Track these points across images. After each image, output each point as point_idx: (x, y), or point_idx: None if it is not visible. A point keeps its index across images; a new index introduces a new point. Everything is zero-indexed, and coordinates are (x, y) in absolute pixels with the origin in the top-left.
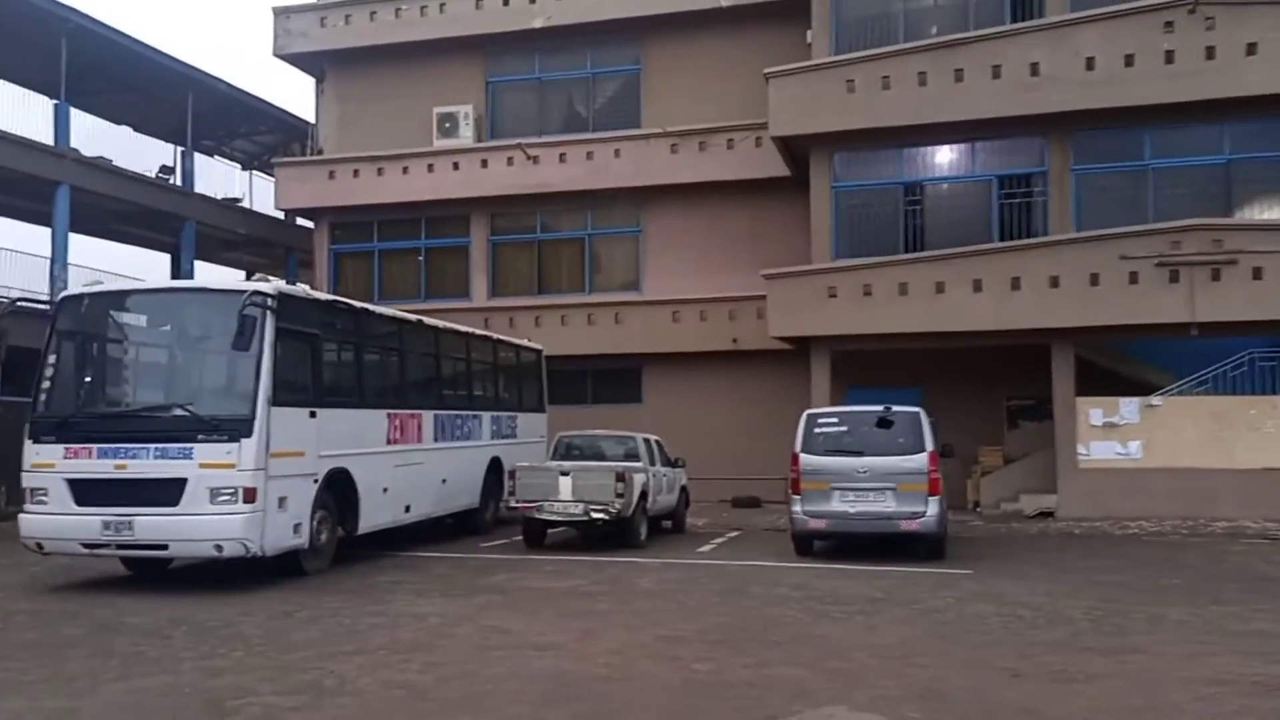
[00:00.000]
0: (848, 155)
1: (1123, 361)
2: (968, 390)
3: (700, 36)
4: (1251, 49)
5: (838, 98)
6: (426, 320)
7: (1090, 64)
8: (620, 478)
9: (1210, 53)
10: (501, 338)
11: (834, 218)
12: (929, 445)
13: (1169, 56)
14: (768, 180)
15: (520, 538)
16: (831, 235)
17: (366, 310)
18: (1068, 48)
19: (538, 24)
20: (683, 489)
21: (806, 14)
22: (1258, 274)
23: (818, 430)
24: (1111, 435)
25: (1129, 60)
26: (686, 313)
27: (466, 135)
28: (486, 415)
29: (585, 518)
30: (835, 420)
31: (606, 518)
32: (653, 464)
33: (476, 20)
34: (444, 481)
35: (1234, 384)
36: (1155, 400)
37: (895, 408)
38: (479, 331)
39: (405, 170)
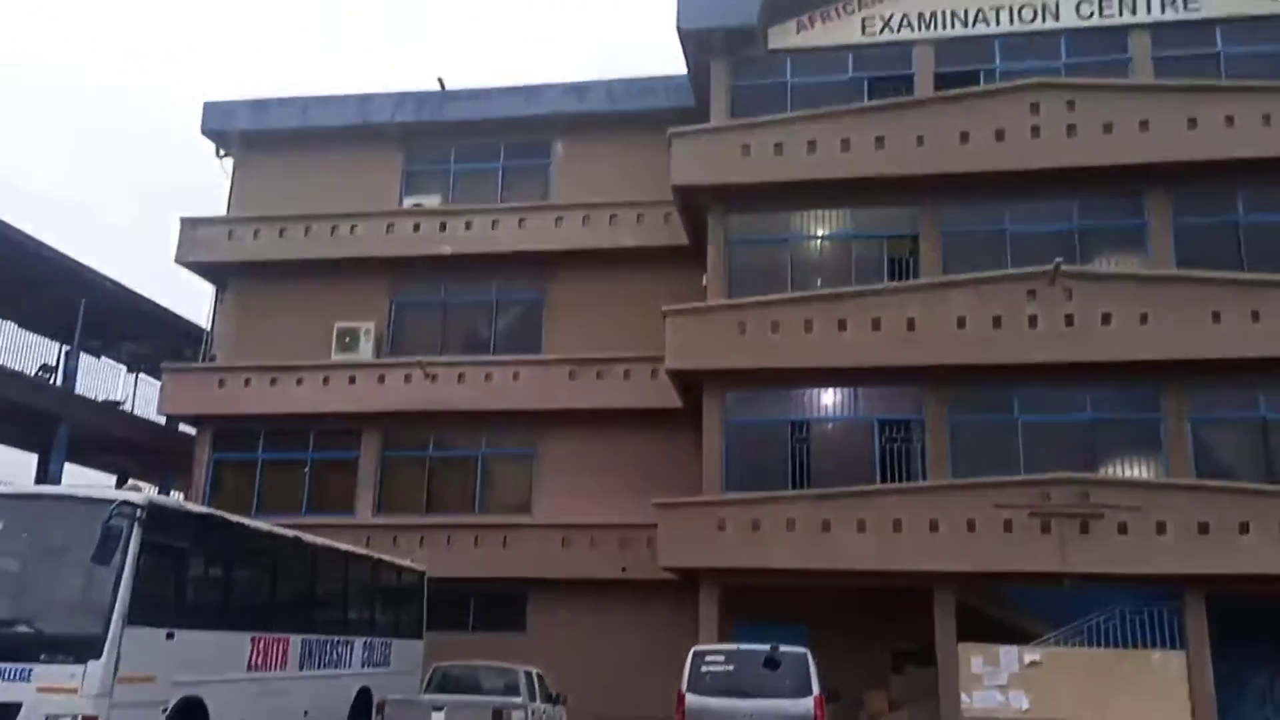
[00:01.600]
0: (739, 392)
1: (1003, 608)
2: (853, 631)
3: (603, 272)
4: (1106, 319)
5: (730, 338)
6: (305, 537)
7: (961, 323)
8: (498, 715)
9: (1069, 320)
10: (383, 558)
11: (725, 451)
12: (815, 689)
13: (1032, 321)
14: (662, 411)
15: None
16: (722, 468)
17: (242, 525)
18: (941, 307)
19: (446, 251)
20: None
21: (702, 258)
22: (1123, 529)
23: (704, 669)
24: (993, 685)
25: (997, 322)
26: (576, 538)
27: (366, 351)
28: (359, 641)
29: None
30: (722, 659)
31: None
32: (533, 699)
33: (386, 243)
34: (305, 714)
35: (1106, 636)
36: (1034, 650)
37: (783, 647)
38: (359, 550)
39: (300, 382)
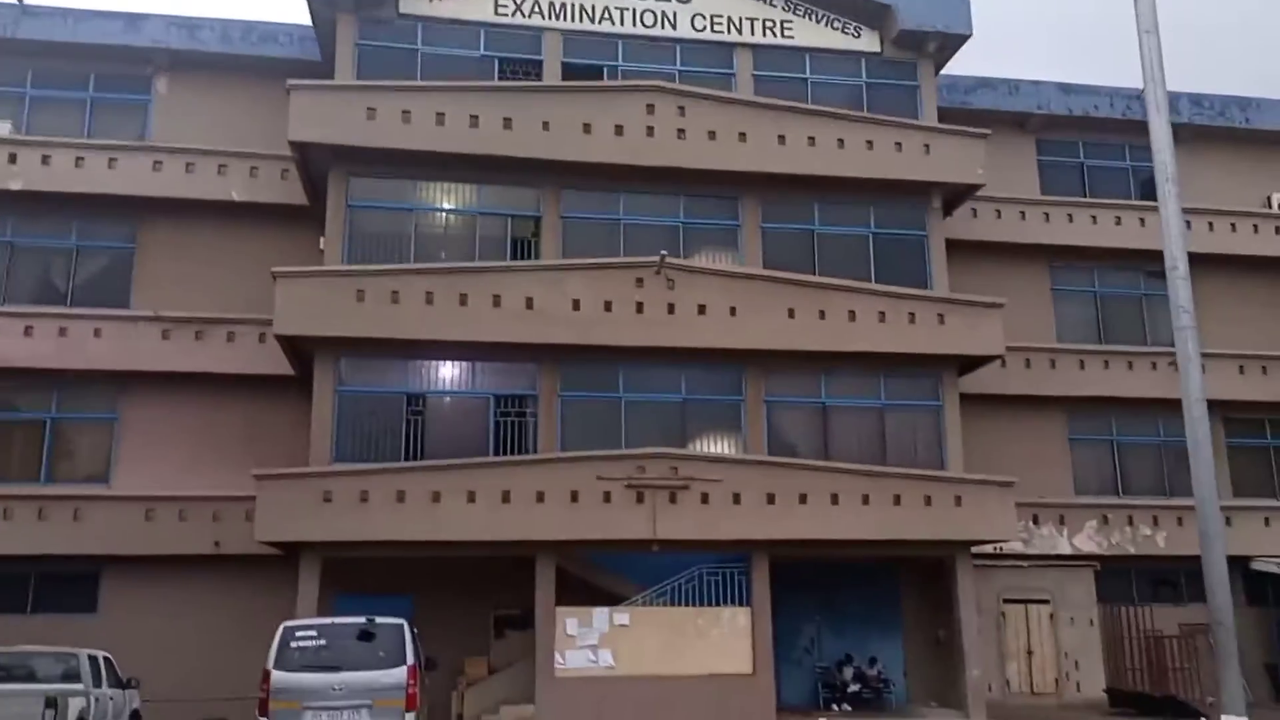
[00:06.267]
0: (354, 361)
1: (598, 573)
2: (459, 600)
3: (206, 224)
4: (702, 309)
5: (347, 305)
6: None
7: (576, 305)
8: (52, 703)
9: (671, 308)
10: None
11: (335, 421)
12: (409, 658)
13: (639, 307)
14: (269, 377)
15: None
16: (332, 439)
17: None
18: (558, 289)
19: (15, 186)
20: (134, 714)
21: (321, 220)
22: (705, 499)
23: (294, 644)
24: (585, 645)
25: (608, 306)
26: (163, 511)
27: None
28: None
29: None
30: (314, 633)
31: None
32: (98, 685)
33: None
34: None
35: (687, 596)
36: (622, 611)
37: (378, 619)
38: None
39: None
